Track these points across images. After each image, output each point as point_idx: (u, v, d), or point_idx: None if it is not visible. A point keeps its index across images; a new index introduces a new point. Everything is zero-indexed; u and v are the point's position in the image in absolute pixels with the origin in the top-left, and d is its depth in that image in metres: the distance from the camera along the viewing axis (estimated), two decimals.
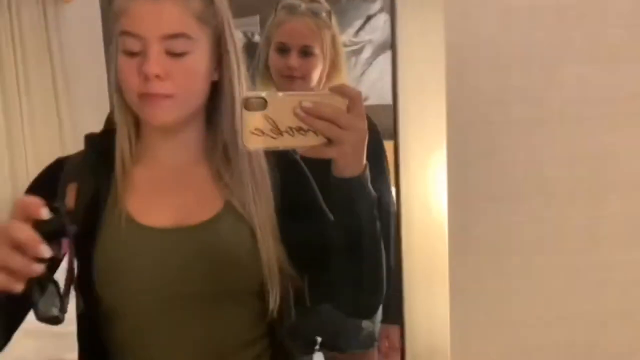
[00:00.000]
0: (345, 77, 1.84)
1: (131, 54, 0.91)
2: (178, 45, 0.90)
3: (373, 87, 3.25)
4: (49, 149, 3.77)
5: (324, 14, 1.71)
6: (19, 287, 0.73)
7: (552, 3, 0.59)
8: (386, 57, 3.21)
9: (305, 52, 1.67)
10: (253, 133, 0.75)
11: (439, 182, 0.58)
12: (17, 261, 0.72)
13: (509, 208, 0.60)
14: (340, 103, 0.79)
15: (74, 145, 1.32)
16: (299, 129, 0.77)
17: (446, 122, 0.56)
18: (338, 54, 1.76)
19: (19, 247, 0.72)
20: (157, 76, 0.89)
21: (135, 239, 0.95)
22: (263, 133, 0.75)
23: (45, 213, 0.74)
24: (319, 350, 1.90)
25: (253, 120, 0.75)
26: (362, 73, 3.31)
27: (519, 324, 0.60)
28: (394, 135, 0.59)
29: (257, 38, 3.47)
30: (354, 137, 0.80)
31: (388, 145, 1.85)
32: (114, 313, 0.97)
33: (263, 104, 0.75)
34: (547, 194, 0.60)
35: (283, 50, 1.66)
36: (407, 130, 0.57)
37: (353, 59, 3.24)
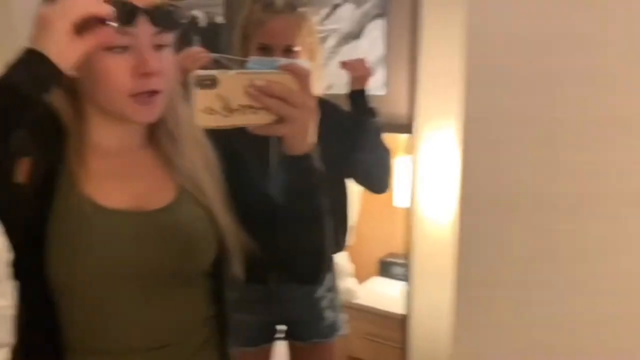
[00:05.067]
0: (320, 64, 1.83)
1: (120, 50, 0.87)
2: (163, 38, 0.90)
3: (337, 76, 3.25)
4: None
5: (301, 8, 1.69)
6: None
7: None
8: (351, 47, 3.20)
9: (289, 51, 1.65)
10: (204, 111, 0.76)
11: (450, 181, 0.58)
12: None
13: (511, 217, 0.61)
14: (291, 82, 0.81)
15: None
16: (250, 107, 0.78)
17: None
18: (314, 42, 1.75)
19: None
20: (153, 73, 0.88)
21: (92, 219, 0.92)
22: (214, 111, 0.77)
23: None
24: (280, 339, 1.90)
25: (204, 99, 0.76)
26: (325, 62, 3.30)
27: (515, 325, 0.61)
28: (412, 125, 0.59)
29: (219, 19, 3.40)
30: (304, 115, 0.83)
31: None
32: (66, 293, 0.93)
33: (214, 82, 0.76)
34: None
35: (265, 49, 1.64)
36: (423, 120, 0.57)
37: None
